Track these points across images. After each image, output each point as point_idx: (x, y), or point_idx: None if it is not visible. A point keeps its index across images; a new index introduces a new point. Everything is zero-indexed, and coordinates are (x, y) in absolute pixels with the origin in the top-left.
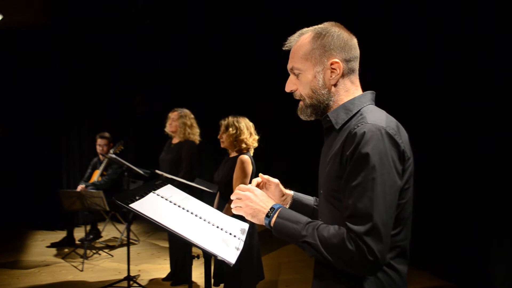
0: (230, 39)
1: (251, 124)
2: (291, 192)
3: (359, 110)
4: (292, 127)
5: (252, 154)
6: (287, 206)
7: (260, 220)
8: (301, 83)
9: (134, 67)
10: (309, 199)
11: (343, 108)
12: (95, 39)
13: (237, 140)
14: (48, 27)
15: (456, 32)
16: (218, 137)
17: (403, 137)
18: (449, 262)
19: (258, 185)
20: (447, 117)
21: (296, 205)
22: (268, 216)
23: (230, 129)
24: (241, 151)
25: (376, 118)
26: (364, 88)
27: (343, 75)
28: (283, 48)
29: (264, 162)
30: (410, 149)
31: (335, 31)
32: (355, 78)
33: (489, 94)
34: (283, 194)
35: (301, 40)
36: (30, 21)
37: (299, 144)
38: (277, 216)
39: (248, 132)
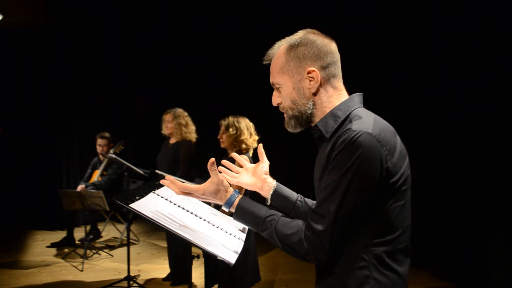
0: (230, 38)
1: (251, 124)
2: (273, 182)
3: (348, 115)
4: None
5: (251, 155)
6: (270, 191)
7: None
8: (283, 96)
9: (134, 67)
10: (292, 193)
11: (331, 116)
12: (95, 39)
13: (237, 140)
14: (48, 27)
15: (455, 32)
16: (218, 137)
17: (390, 141)
18: (449, 262)
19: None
20: (447, 117)
21: (276, 195)
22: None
23: (230, 129)
24: (240, 152)
25: (362, 123)
26: (358, 90)
27: (322, 83)
28: (264, 63)
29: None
30: (403, 150)
31: (308, 39)
32: (338, 82)
33: (489, 93)
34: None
35: (277, 54)
36: (30, 21)
37: (301, 145)
38: (236, 209)
39: (248, 132)
